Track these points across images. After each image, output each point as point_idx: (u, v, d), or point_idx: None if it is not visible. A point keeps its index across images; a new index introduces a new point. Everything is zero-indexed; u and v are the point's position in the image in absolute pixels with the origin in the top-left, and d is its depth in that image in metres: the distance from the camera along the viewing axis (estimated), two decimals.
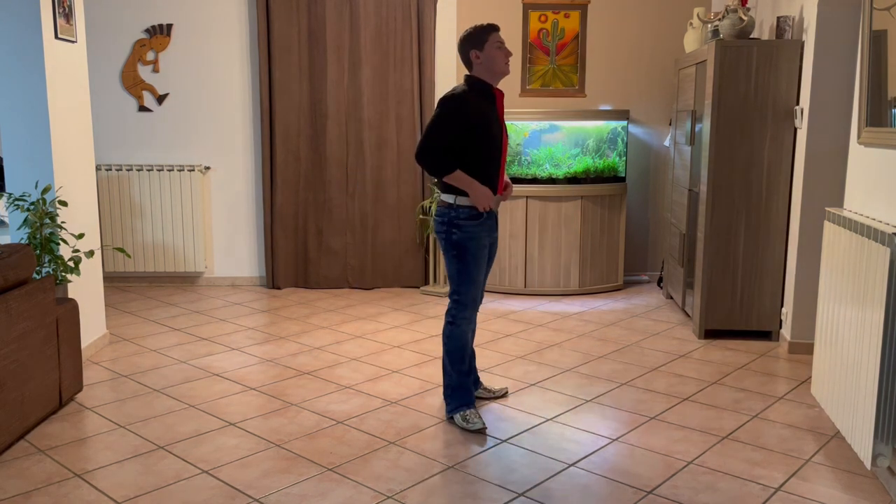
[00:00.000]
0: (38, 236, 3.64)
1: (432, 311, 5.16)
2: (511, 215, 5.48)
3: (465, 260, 3.20)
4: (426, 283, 5.83)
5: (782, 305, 4.43)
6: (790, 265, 4.30)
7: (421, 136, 3.14)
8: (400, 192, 5.72)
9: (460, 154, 3.13)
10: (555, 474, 2.81)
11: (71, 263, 3.80)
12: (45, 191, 3.74)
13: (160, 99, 5.72)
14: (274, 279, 5.78)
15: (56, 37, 3.80)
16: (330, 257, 5.76)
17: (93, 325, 4.21)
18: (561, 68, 5.85)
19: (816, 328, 3.31)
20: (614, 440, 3.11)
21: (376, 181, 5.70)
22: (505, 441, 3.10)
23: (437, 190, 5.56)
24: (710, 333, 4.55)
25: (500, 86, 3.67)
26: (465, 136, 3.11)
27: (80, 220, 4.05)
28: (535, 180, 5.48)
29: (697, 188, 4.72)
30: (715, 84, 4.30)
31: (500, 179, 3.27)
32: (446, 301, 5.17)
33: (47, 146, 3.77)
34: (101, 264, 4.33)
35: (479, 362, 4.02)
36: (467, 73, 3.25)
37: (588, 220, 5.51)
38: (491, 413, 3.39)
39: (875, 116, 3.01)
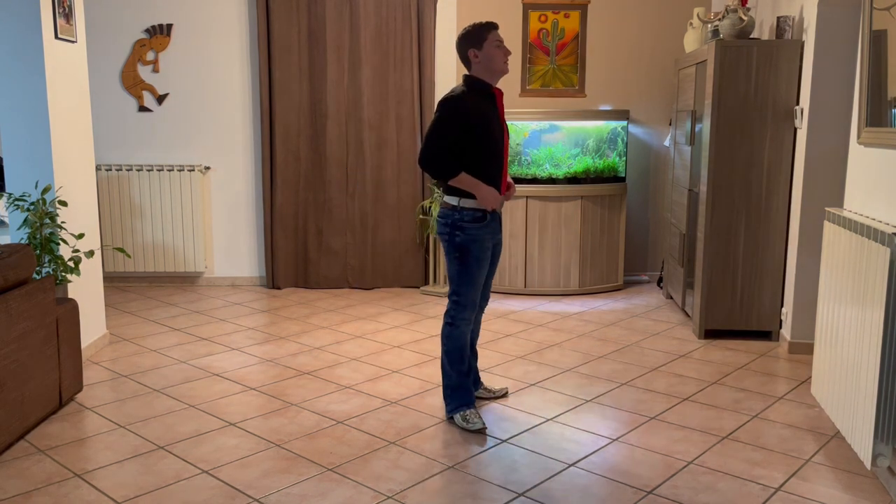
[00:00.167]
0: (38, 236, 3.64)
1: (432, 311, 5.16)
2: (511, 215, 5.48)
3: (467, 262, 3.19)
4: (426, 283, 5.83)
5: (782, 305, 4.43)
6: (790, 265, 4.30)
7: (422, 142, 3.13)
8: (400, 192, 5.72)
9: (462, 155, 3.12)
10: (555, 474, 2.81)
11: (71, 263, 3.80)
12: (45, 191, 3.74)
13: (160, 99, 5.72)
14: (274, 279, 5.78)
15: (56, 37, 3.80)
16: (330, 257, 5.76)
17: (93, 325, 4.21)
18: (561, 68, 5.85)
19: (816, 328, 3.31)
20: (614, 440, 3.11)
21: (376, 181, 5.70)
22: (505, 441, 3.10)
23: (437, 190, 5.57)
24: (710, 333, 4.55)
25: (500, 86, 3.66)
26: (466, 137, 3.09)
27: (80, 220, 4.05)
28: (535, 180, 5.48)
29: (697, 188, 4.72)
30: (715, 84, 4.30)
31: (503, 179, 3.26)
32: (446, 301, 5.16)
33: (47, 146, 3.77)
34: (101, 264, 4.33)
35: (480, 362, 4.02)
36: (466, 72, 3.24)
37: (588, 220, 5.51)
38: (491, 413, 3.39)
39: (875, 116, 3.01)
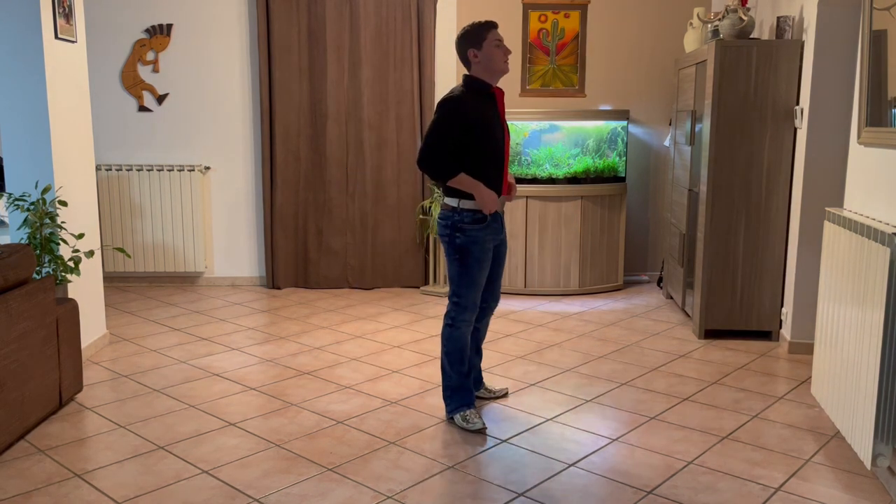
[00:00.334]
0: (38, 236, 3.64)
1: (432, 311, 5.16)
2: (511, 215, 5.48)
3: (467, 263, 3.18)
4: (426, 283, 5.83)
5: (782, 305, 4.43)
6: (790, 265, 4.30)
7: (421, 143, 3.12)
8: (400, 192, 5.72)
9: (461, 156, 3.11)
10: (555, 474, 2.81)
11: (71, 263, 3.80)
12: (45, 191, 3.74)
13: (160, 99, 5.72)
14: (274, 279, 5.78)
15: (56, 37, 3.80)
16: (330, 257, 5.76)
17: (93, 325, 4.21)
18: (561, 68, 5.85)
19: (816, 328, 3.31)
20: (614, 440, 3.11)
21: (376, 181, 5.70)
22: (505, 441, 3.10)
23: (437, 190, 5.57)
24: (710, 333, 4.55)
25: (500, 85, 3.66)
26: (465, 137, 3.08)
27: (80, 220, 4.05)
28: (535, 180, 5.48)
29: (697, 188, 4.72)
30: (715, 84, 4.30)
31: (504, 180, 3.25)
32: (446, 301, 5.17)
33: (47, 146, 3.77)
34: (101, 264, 4.33)
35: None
36: (466, 72, 3.24)
37: (588, 220, 5.51)
38: (491, 413, 3.39)
39: (875, 116, 3.01)
